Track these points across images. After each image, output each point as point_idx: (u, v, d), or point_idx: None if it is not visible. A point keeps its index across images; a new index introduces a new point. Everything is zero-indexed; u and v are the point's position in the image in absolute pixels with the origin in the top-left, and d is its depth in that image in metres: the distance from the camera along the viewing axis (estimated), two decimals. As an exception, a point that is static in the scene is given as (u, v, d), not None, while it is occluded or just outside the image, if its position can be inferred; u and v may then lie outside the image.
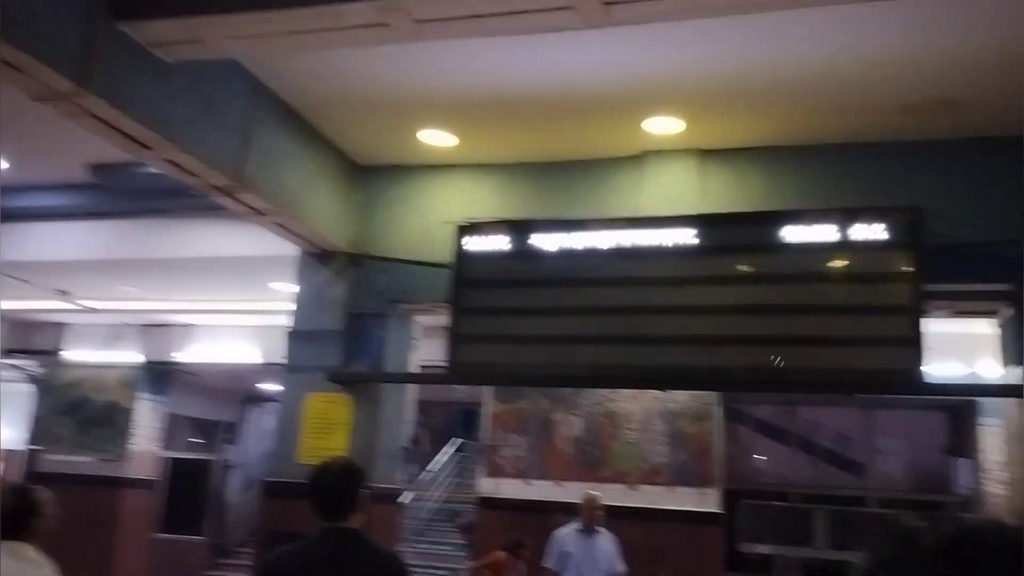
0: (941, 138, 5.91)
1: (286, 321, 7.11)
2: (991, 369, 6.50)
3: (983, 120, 5.66)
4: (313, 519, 2.81)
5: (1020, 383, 5.53)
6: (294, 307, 7.07)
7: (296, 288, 7.14)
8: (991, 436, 9.66)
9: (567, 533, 6.14)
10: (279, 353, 7.16)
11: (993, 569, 0.61)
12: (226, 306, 10.45)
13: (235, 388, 15.09)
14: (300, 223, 6.44)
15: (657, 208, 6.26)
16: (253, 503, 15.31)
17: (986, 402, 9.65)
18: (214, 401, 14.89)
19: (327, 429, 6.67)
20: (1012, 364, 5.67)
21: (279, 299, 8.27)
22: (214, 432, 15.59)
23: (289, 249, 7.02)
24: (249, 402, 16.06)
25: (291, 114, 6.29)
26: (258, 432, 16.08)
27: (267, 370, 11.89)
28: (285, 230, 6.53)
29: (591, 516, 6.10)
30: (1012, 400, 5.69)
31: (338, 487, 2.78)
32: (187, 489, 14.25)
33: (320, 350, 6.77)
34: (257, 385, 15.00)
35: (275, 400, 12.51)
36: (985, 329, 6.18)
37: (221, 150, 5.47)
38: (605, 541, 6.12)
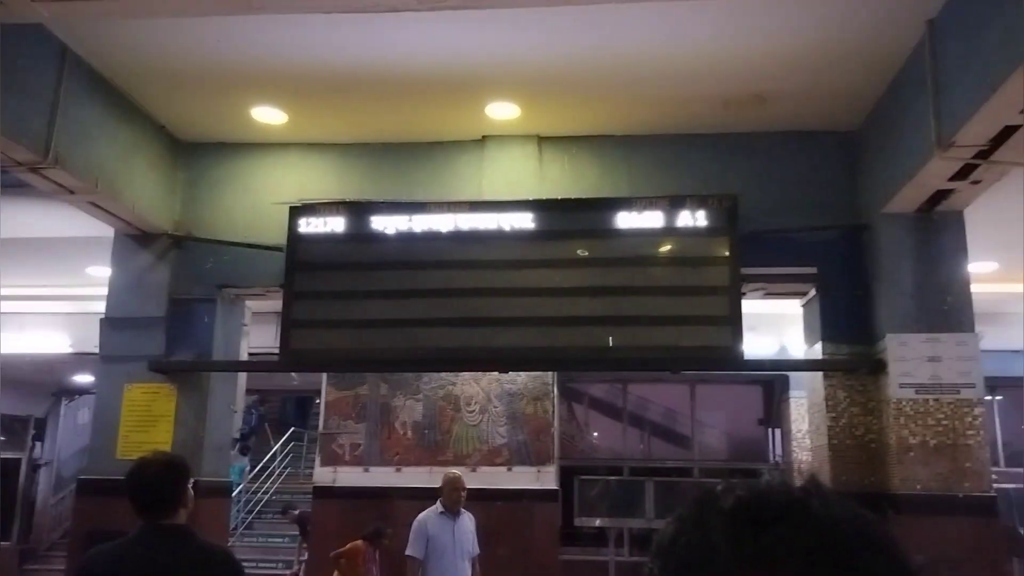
0: (755, 130, 6.32)
1: (103, 308, 6.66)
2: (798, 345, 7.05)
3: (792, 114, 6.11)
4: (134, 518, 2.65)
5: (821, 358, 6.03)
6: (109, 292, 6.63)
7: (112, 272, 6.69)
8: (798, 407, 10.50)
9: (429, 517, 5.71)
10: (94, 342, 6.70)
11: (776, 524, 0.66)
12: (35, 292, 9.66)
13: (45, 381, 14.00)
14: (116, 202, 6.02)
15: (497, 192, 6.34)
16: (66, 503, 14.35)
17: (794, 376, 10.47)
18: (21, 395, 13.75)
19: (149, 422, 6.32)
20: (815, 341, 6.18)
21: (97, 284, 7.72)
22: (21, 429, 14.41)
23: (108, 230, 6.57)
24: (61, 395, 14.96)
25: (107, 86, 5.87)
26: (71, 427, 15.02)
27: (81, 361, 11.10)
28: (100, 209, 6.09)
29: (454, 498, 5.73)
30: (815, 374, 6.20)
31: (159, 482, 2.63)
32: (-8, 491, 13.13)
33: (140, 338, 6.39)
34: (70, 377, 13.99)
35: (91, 392, 11.72)
36: (794, 308, 6.69)
37: (25, 122, 5.02)
38: (468, 522, 5.84)
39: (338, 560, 6.56)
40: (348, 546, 6.50)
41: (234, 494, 13.61)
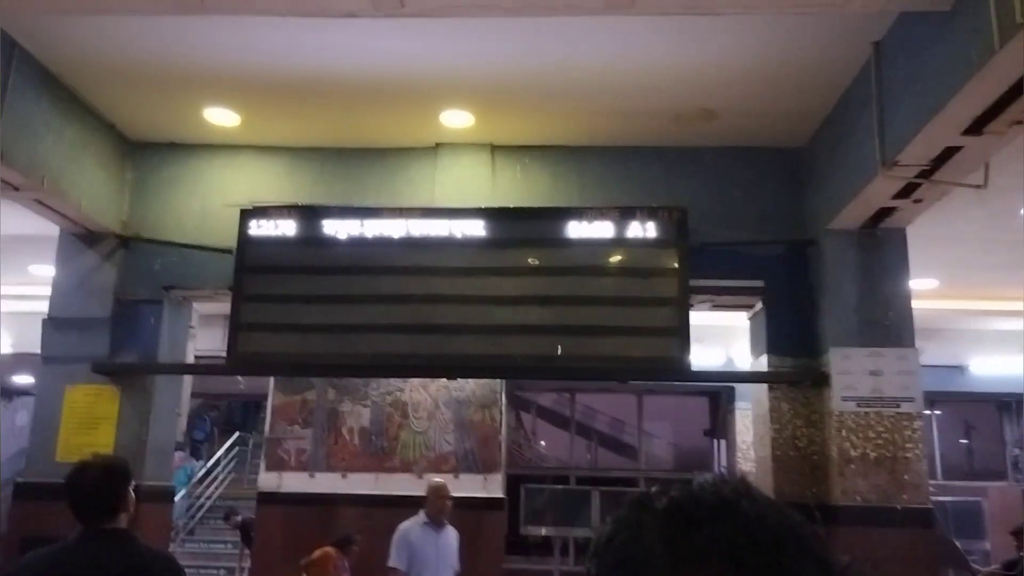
0: (704, 145, 6.43)
1: (46, 307, 6.50)
2: (744, 357, 7.16)
3: (740, 130, 6.22)
4: (73, 522, 2.60)
5: (767, 370, 6.14)
6: (53, 292, 6.48)
7: (57, 271, 6.54)
8: (743, 419, 10.66)
9: (412, 527, 5.40)
10: (36, 342, 6.54)
11: (707, 523, 0.69)
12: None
13: (-19, 381, 13.59)
14: (62, 200, 5.90)
15: (450, 200, 6.35)
16: (2, 507, 13.93)
17: (740, 388, 10.63)
18: (-45, 396, 13.34)
19: (91, 424, 6.18)
20: (761, 353, 6.28)
21: (40, 283, 7.53)
22: (-45, 430, 13.95)
23: (53, 229, 6.42)
24: (-1, 396, 14.53)
25: (56, 83, 5.75)
26: (9, 429, 14.59)
27: (21, 361, 10.80)
28: (45, 207, 5.96)
29: (439, 507, 5.42)
30: (761, 386, 6.30)
31: (100, 486, 2.58)
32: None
33: (84, 339, 6.25)
34: (9, 377, 13.59)
35: (30, 394, 11.40)
36: (741, 321, 6.80)
37: (-33, 116, 4.90)
38: (452, 535, 5.53)
39: (308, 568, 6.31)
40: (317, 553, 6.28)
41: (178, 497, 13.42)
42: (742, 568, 0.67)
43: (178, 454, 14.25)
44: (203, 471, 14.37)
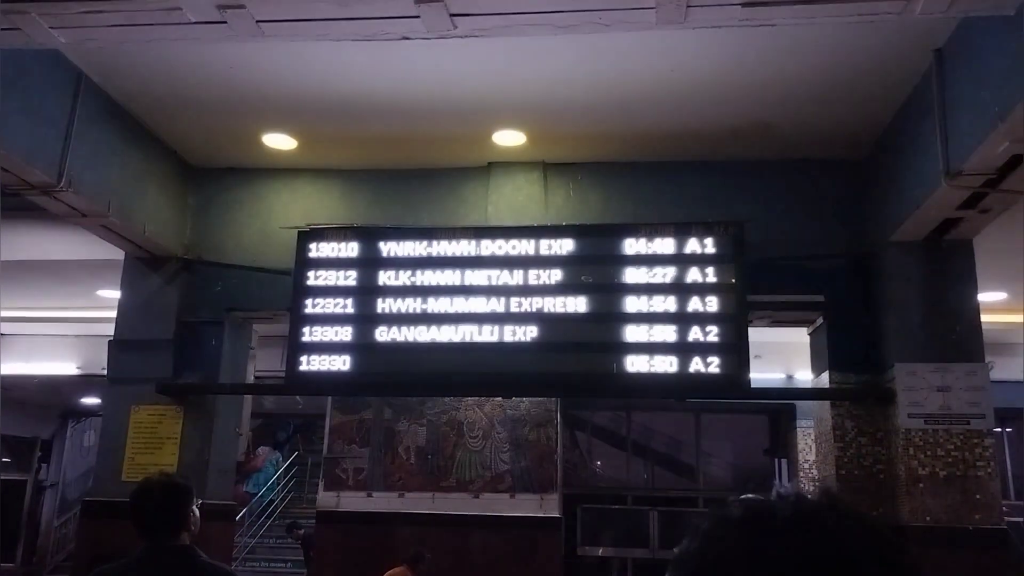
0: (761, 158, 6.34)
1: (112, 330, 6.69)
2: (805, 374, 7.01)
3: (798, 142, 6.12)
4: (138, 540, 2.64)
5: (829, 387, 6.00)
6: (118, 315, 6.66)
7: (122, 294, 6.72)
8: (805, 437, 10.43)
9: None
10: (102, 364, 6.72)
11: (787, 533, 0.68)
12: (45, 314, 9.70)
13: (52, 402, 14.02)
14: (127, 226, 6.07)
15: (503, 219, 6.37)
16: (70, 525, 14.30)
17: (801, 405, 10.41)
18: (28, 417, 13.77)
19: (155, 444, 6.31)
20: (822, 370, 6.14)
21: (107, 307, 7.75)
22: (27, 450, 14.40)
23: (119, 253, 6.62)
24: (67, 417, 14.96)
25: (120, 112, 5.94)
26: (77, 449, 15.01)
27: (88, 383, 11.12)
28: (111, 233, 6.14)
29: None
30: (823, 403, 6.16)
31: (163, 504, 2.63)
32: (-4, 512, 13.12)
33: (148, 360, 6.40)
34: (78, 399, 14.00)
35: (97, 415, 11.72)
36: (801, 337, 6.66)
37: (40, 146, 5.08)
38: None
39: None
40: (391, 573, 6.18)
41: (261, 492, 13.88)
42: None
43: (262, 448, 14.90)
44: (261, 492, 14.58)
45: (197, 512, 2.71)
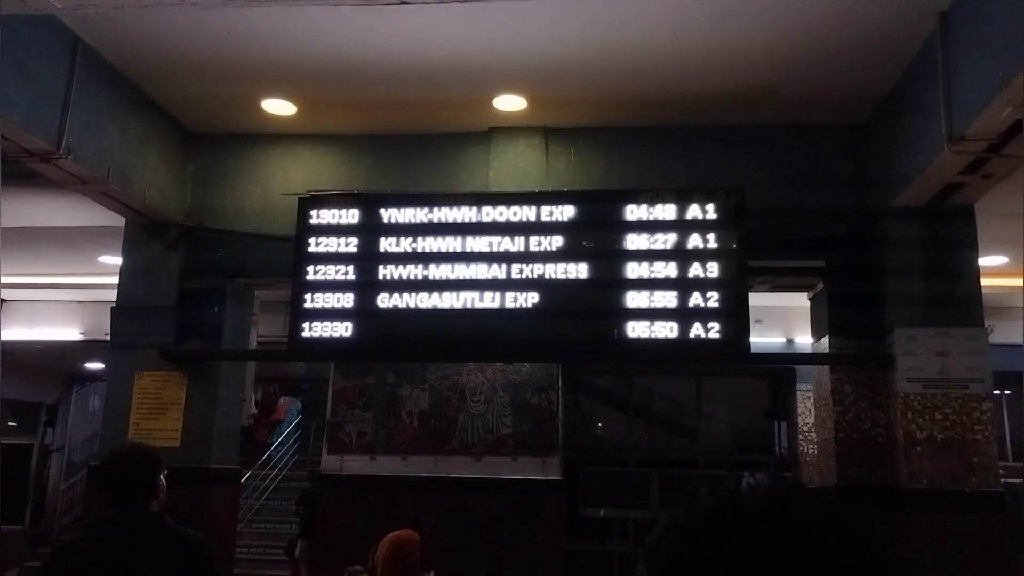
0: (763, 123, 6.30)
1: (114, 296, 6.71)
2: (805, 338, 7.03)
3: (800, 106, 6.08)
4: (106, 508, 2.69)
5: (828, 352, 6.03)
6: (120, 281, 6.68)
7: (124, 261, 6.74)
8: (805, 400, 10.50)
9: None
10: (105, 330, 6.76)
11: (757, 526, 0.68)
12: (48, 280, 9.73)
13: (57, 368, 14.11)
14: (127, 192, 6.06)
15: (504, 184, 6.35)
16: (77, 488, 14.48)
17: (801, 369, 10.46)
18: (33, 382, 13.86)
19: (160, 409, 6.38)
20: (822, 335, 6.17)
21: (108, 273, 7.78)
22: (34, 415, 14.53)
23: (120, 220, 6.62)
24: (72, 382, 15.07)
25: (118, 78, 5.90)
26: (83, 414, 15.14)
27: (93, 348, 11.18)
28: (111, 199, 6.14)
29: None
30: (822, 367, 6.19)
31: (134, 472, 2.67)
32: (4, 475, 13.24)
33: (151, 326, 6.44)
34: (82, 364, 14.09)
35: (102, 379, 11.80)
36: (802, 302, 6.68)
37: (38, 113, 5.06)
38: None
39: (398, 552, 5.83)
40: (405, 536, 5.89)
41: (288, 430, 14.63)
42: (793, 570, 0.66)
43: (284, 398, 15.29)
44: (266, 455, 14.70)
45: (164, 481, 2.76)
